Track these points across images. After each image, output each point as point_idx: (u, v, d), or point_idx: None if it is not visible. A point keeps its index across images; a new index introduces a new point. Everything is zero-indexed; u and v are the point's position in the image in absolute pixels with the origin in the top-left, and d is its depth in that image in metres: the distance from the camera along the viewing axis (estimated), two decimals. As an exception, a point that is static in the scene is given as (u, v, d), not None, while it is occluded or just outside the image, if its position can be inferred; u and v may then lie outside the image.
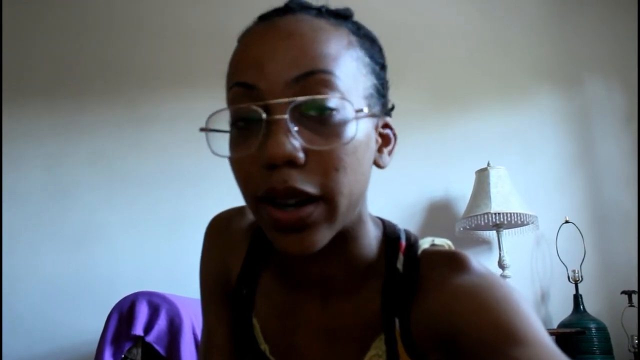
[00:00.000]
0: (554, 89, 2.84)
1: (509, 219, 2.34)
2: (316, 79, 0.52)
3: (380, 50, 0.62)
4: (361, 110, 0.53)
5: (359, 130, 0.53)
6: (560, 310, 2.48)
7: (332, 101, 0.52)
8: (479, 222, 2.37)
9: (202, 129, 0.55)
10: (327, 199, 0.52)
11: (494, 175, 2.43)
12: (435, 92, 2.79)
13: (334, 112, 0.52)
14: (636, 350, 2.29)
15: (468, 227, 2.43)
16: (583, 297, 2.40)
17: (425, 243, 0.65)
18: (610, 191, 2.71)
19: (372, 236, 0.64)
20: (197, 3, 2.91)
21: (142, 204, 2.64)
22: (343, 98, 0.52)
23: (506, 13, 2.94)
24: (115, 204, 2.64)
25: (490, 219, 2.33)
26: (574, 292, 2.42)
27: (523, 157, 2.72)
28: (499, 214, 2.32)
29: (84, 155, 2.70)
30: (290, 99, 0.51)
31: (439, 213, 2.66)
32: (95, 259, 2.56)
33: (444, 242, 0.69)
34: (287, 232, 0.52)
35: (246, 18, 0.61)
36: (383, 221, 0.68)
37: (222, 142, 0.56)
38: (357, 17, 0.61)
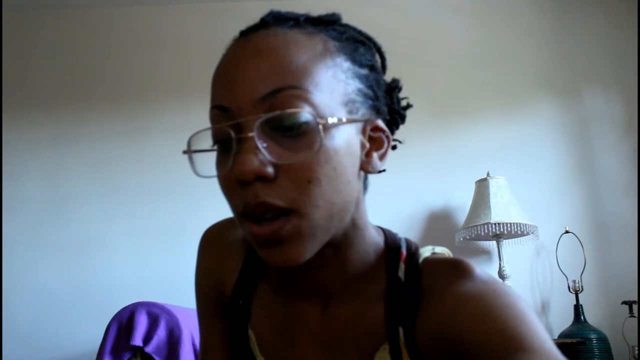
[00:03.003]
0: (553, 99, 2.84)
1: (508, 229, 2.34)
2: (284, 95, 0.52)
3: (369, 51, 0.62)
4: (326, 120, 0.53)
5: (327, 139, 0.53)
6: (561, 320, 2.47)
7: (301, 115, 0.52)
8: (479, 232, 2.36)
9: (185, 152, 0.57)
10: (300, 212, 0.52)
11: (493, 186, 2.43)
12: (435, 103, 2.80)
13: (303, 125, 0.52)
14: (637, 361, 2.28)
15: (468, 237, 2.43)
16: (583, 307, 2.39)
17: (426, 251, 0.65)
18: (610, 201, 2.70)
19: (368, 242, 0.63)
20: (195, 14, 2.93)
21: (142, 213, 2.64)
22: (310, 112, 0.52)
23: (505, 24, 2.96)
24: (114, 214, 2.64)
25: (490, 229, 2.33)
26: (575, 302, 2.41)
27: (523, 167, 2.72)
28: (498, 224, 2.32)
29: (84, 166, 2.70)
30: (256, 116, 0.52)
31: (438, 223, 2.65)
32: (94, 269, 2.56)
33: (443, 251, 0.68)
34: (268, 247, 0.54)
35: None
36: (384, 230, 0.67)
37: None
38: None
